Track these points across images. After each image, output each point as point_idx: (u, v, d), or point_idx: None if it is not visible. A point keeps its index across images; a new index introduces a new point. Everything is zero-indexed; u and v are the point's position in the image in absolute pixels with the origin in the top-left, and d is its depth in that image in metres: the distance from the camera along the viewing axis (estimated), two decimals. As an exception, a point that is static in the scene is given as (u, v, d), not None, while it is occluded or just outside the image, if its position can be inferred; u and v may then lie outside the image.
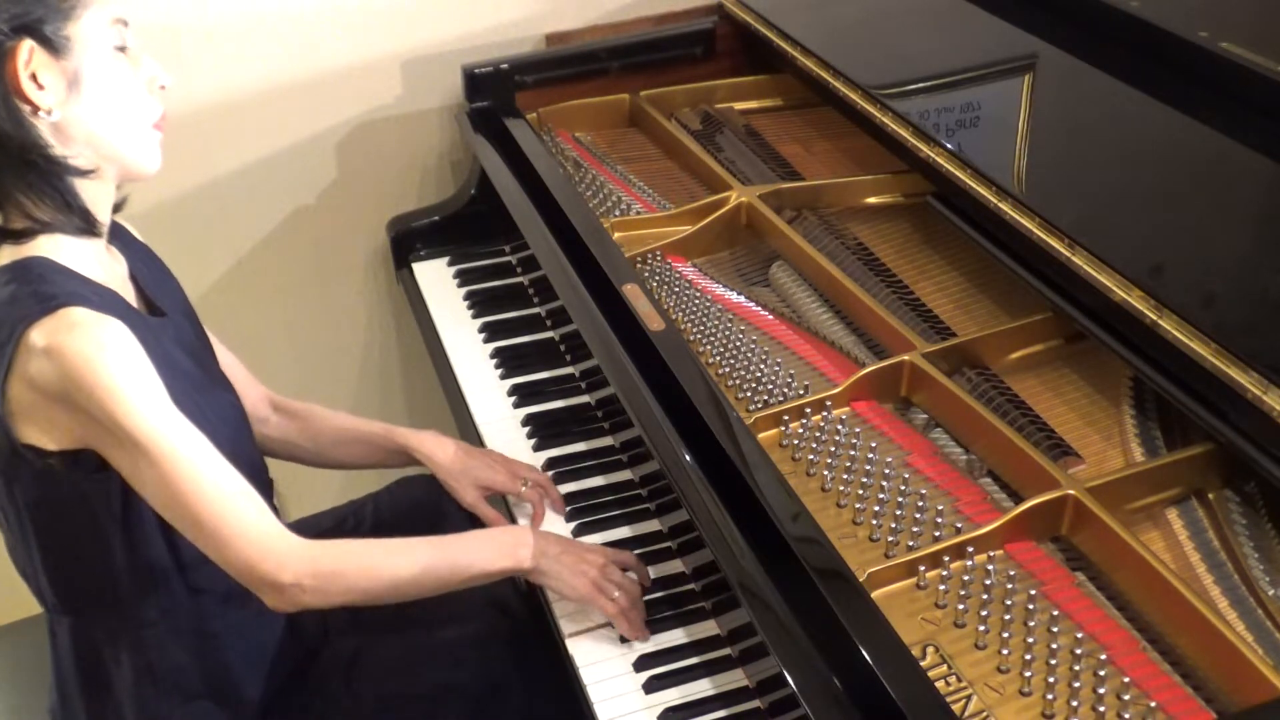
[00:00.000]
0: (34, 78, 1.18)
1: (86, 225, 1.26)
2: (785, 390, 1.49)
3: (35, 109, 1.19)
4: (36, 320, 1.15)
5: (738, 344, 1.57)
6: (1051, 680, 1.14)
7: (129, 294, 1.34)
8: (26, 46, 1.18)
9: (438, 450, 1.58)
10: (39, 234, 1.24)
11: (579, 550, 1.39)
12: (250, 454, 1.43)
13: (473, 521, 1.56)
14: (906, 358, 1.46)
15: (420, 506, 1.62)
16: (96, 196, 1.27)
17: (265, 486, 1.48)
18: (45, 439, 1.20)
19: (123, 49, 1.26)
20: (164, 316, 1.37)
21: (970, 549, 1.25)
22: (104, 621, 1.35)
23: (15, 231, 1.24)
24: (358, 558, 1.29)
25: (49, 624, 1.39)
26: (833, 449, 1.41)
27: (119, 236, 1.39)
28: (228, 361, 1.53)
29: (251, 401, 1.57)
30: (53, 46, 1.19)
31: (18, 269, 1.21)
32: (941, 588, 1.23)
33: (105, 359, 1.15)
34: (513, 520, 1.55)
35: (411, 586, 1.31)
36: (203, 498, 1.20)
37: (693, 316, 1.64)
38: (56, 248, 1.24)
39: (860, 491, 1.35)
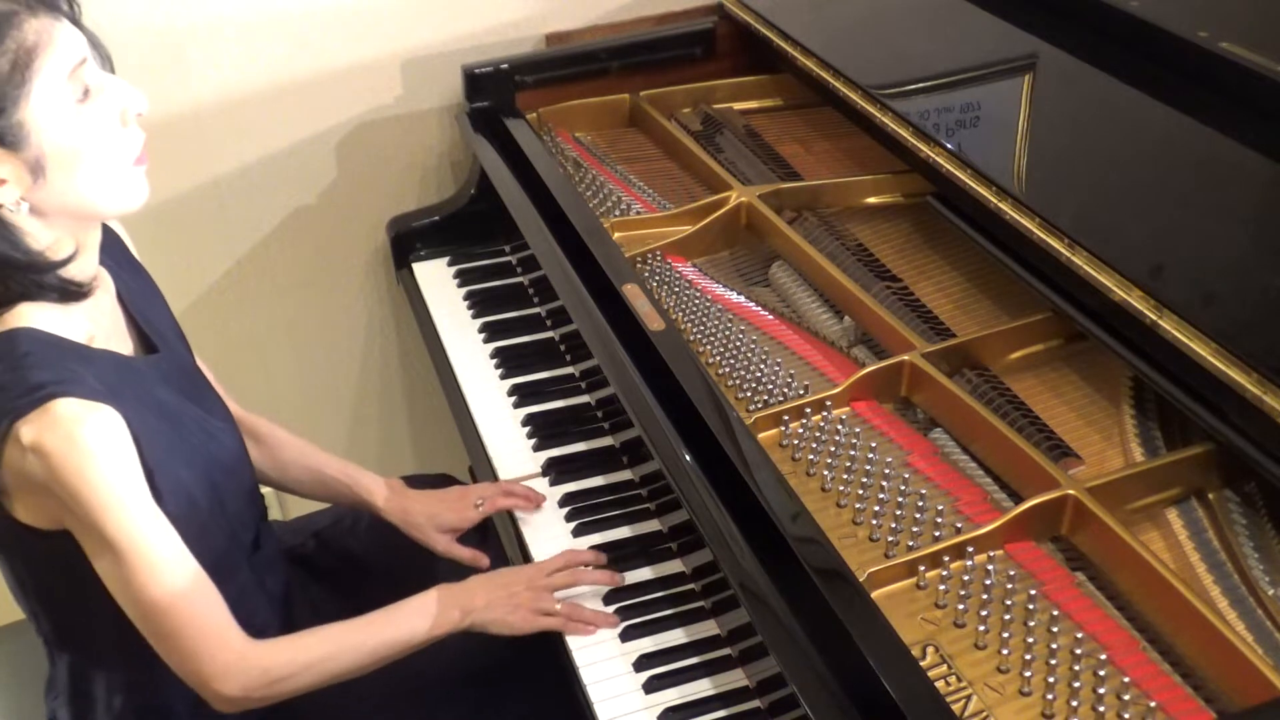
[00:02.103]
0: None
1: (71, 297, 1.21)
2: (785, 390, 1.49)
3: (1, 206, 1.13)
4: (24, 415, 1.13)
5: (738, 344, 1.57)
6: (1051, 680, 1.14)
7: (119, 330, 1.32)
8: None
9: (400, 508, 1.59)
10: (19, 302, 1.19)
11: (505, 584, 1.40)
12: (243, 480, 1.43)
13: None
14: (906, 358, 1.46)
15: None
16: (82, 261, 1.22)
17: (260, 510, 1.49)
18: (35, 520, 1.22)
19: (86, 97, 1.16)
20: (155, 353, 1.35)
21: (970, 549, 1.25)
22: (101, 663, 1.36)
23: None
24: (302, 657, 1.29)
25: (48, 653, 1.40)
26: (833, 449, 1.41)
27: (104, 248, 1.33)
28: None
29: None
30: (6, 142, 1.11)
31: (2, 345, 1.17)
32: (941, 588, 1.23)
33: (87, 461, 1.14)
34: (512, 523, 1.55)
35: (359, 672, 1.33)
36: (164, 606, 1.20)
37: (693, 316, 1.64)
38: (40, 313, 1.19)
39: (860, 491, 1.35)
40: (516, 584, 1.39)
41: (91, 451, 1.14)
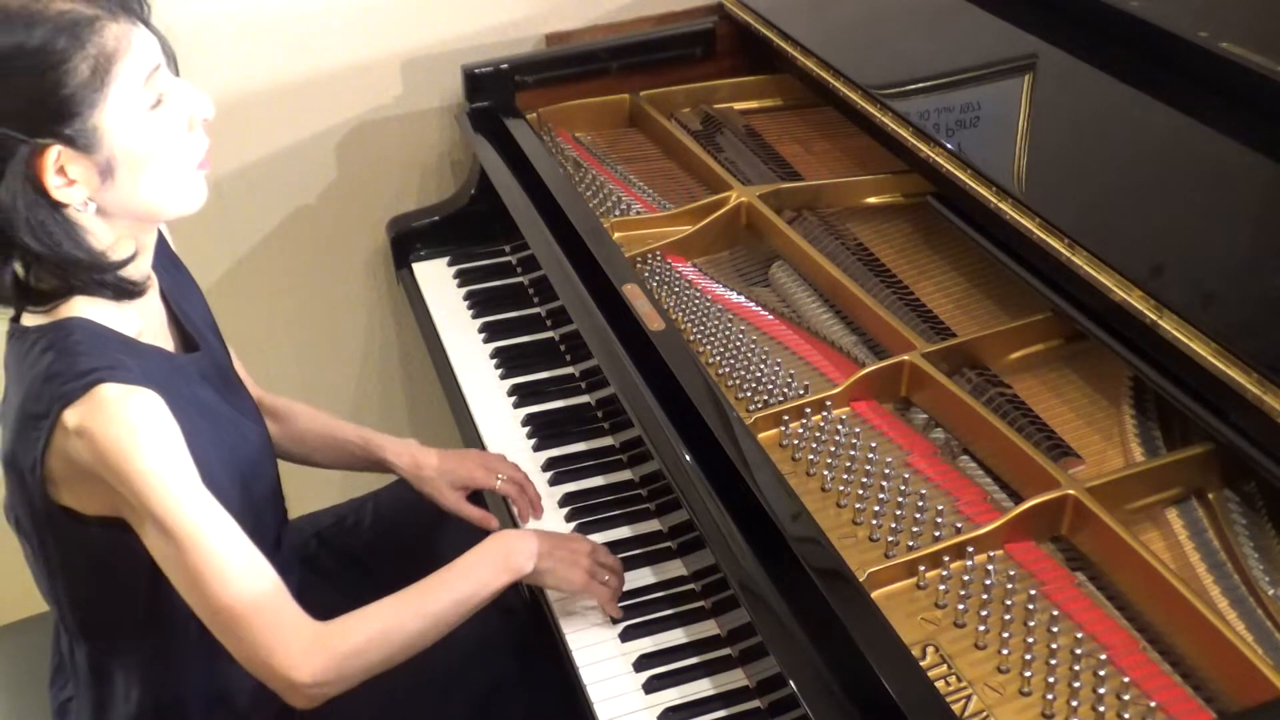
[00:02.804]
0: (63, 170, 1.13)
1: (127, 295, 1.24)
2: (785, 390, 1.49)
3: (68, 205, 1.16)
4: (72, 401, 1.14)
5: (738, 344, 1.57)
6: (1051, 680, 1.14)
7: (163, 327, 1.34)
8: (54, 152, 1.12)
9: (411, 460, 1.58)
10: (75, 295, 1.21)
11: (567, 542, 1.40)
12: (271, 482, 1.44)
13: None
14: (906, 358, 1.46)
15: (420, 505, 1.62)
16: (141, 259, 1.25)
17: (281, 516, 1.50)
18: (82, 506, 1.22)
19: (159, 104, 1.19)
20: (195, 349, 1.36)
21: (970, 549, 1.25)
22: (121, 653, 1.36)
23: (45, 293, 1.21)
24: (368, 628, 1.26)
25: (67, 643, 1.40)
26: (833, 449, 1.41)
27: None
28: None
29: None
30: (79, 144, 1.13)
31: (55, 333, 1.19)
32: (941, 588, 1.23)
33: (136, 443, 1.14)
34: (510, 520, 1.55)
35: (427, 638, 1.30)
36: (225, 590, 1.19)
37: (693, 316, 1.64)
38: (93, 305, 1.22)
39: (860, 491, 1.35)
40: (579, 546, 1.39)
41: (137, 432, 1.14)
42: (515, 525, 1.55)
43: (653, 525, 1.52)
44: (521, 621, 1.51)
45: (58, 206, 1.15)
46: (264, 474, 1.41)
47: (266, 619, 1.20)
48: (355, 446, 1.61)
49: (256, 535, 1.36)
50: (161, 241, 1.42)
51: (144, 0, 1.21)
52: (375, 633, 1.26)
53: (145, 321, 1.29)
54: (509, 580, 1.34)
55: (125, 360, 1.19)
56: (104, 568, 1.26)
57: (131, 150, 1.17)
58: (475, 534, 1.60)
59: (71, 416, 1.14)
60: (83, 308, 1.21)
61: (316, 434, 1.63)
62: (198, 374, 1.34)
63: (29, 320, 1.23)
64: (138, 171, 1.18)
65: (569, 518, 1.55)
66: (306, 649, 1.21)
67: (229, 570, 1.19)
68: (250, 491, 1.34)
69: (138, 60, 1.16)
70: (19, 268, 1.19)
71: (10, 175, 1.12)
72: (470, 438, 1.72)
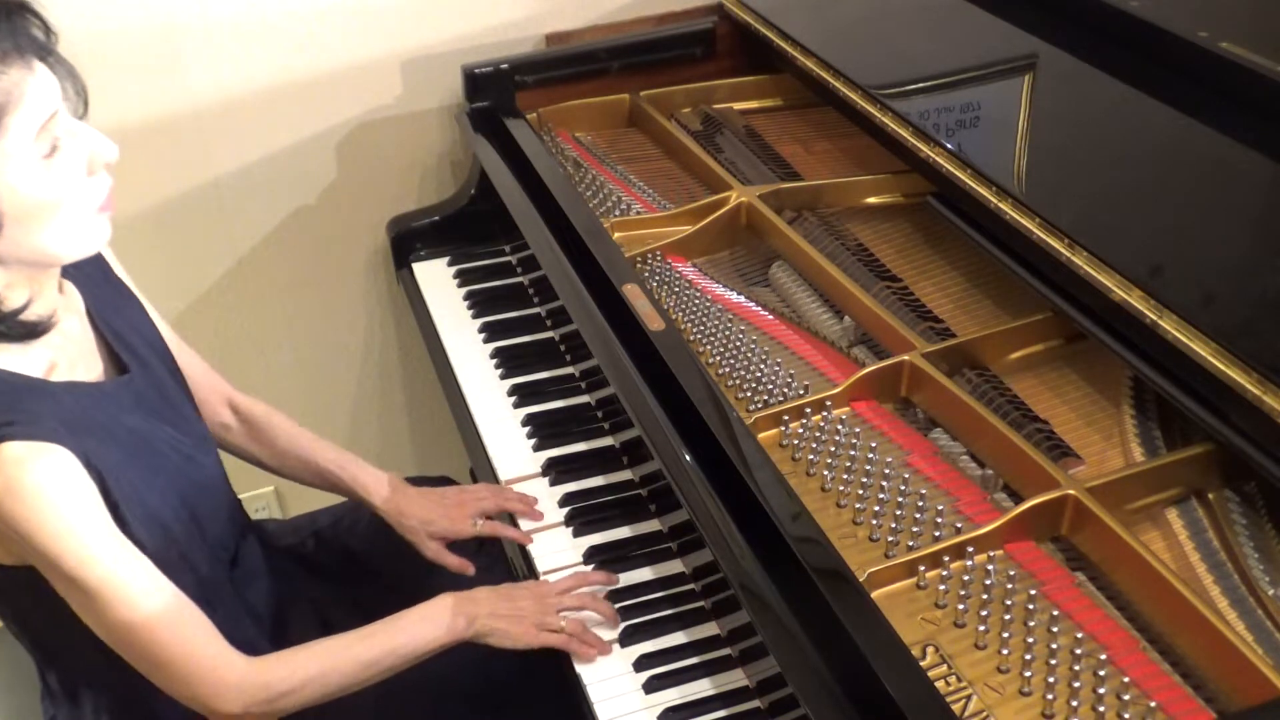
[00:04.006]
0: None
1: (30, 334, 1.18)
2: (785, 390, 1.49)
3: None
4: None
5: (738, 344, 1.57)
6: (1051, 680, 1.14)
7: (87, 352, 1.28)
8: None
9: (395, 507, 1.57)
10: None
11: (511, 596, 1.38)
12: (221, 499, 1.41)
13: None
14: (906, 358, 1.46)
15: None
16: (38, 303, 1.18)
17: (240, 526, 1.48)
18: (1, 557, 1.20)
19: (53, 153, 1.11)
20: (126, 373, 1.30)
21: (970, 549, 1.25)
22: (89, 680, 1.36)
23: None
24: (304, 674, 1.27)
25: (38, 666, 1.40)
26: (833, 449, 1.41)
27: (74, 263, 1.25)
28: (186, 360, 1.49)
29: (211, 407, 1.55)
30: None
31: None
32: (941, 588, 1.23)
33: (41, 505, 1.11)
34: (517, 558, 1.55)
35: (360, 684, 1.31)
36: (148, 636, 1.18)
37: (693, 316, 1.64)
38: None
39: (860, 491, 1.35)
40: (523, 598, 1.38)
41: (40, 493, 1.10)
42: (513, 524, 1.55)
43: (653, 525, 1.52)
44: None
45: None
46: (212, 494, 1.38)
47: (192, 659, 1.21)
48: (334, 476, 1.59)
49: (212, 557, 1.36)
50: (97, 262, 1.36)
51: (49, 31, 1.13)
52: (310, 675, 1.28)
53: (59, 353, 1.22)
54: (449, 640, 1.34)
55: (33, 409, 1.13)
56: (45, 607, 1.22)
57: (22, 204, 1.09)
58: (471, 540, 1.60)
59: None
60: None
61: (296, 455, 1.60)
62: (128, 400, 1.28)
63: None
64: (30, 223, 1.11)
65: (569, 518, 1.55)
66: (237, 684, 1.23)
67: (150, 618, 1.18)
68: (197, 514, 1.33)
69: (31, 110, 1.08)
70: None
71: None
72: (470, 438, 1.72)
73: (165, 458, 1.30)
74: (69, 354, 1.25)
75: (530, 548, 1.51)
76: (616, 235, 1.76)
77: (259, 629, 1.44)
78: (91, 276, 1.34)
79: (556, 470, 1.62)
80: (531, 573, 1.49)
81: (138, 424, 1.28)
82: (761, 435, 1.42)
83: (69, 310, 1.27)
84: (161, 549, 1.23)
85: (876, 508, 1.32)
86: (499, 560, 1.61)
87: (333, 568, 1.66)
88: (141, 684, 1.28)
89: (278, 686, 1.25)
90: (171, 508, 1.28)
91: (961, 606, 1.21)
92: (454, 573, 1.56)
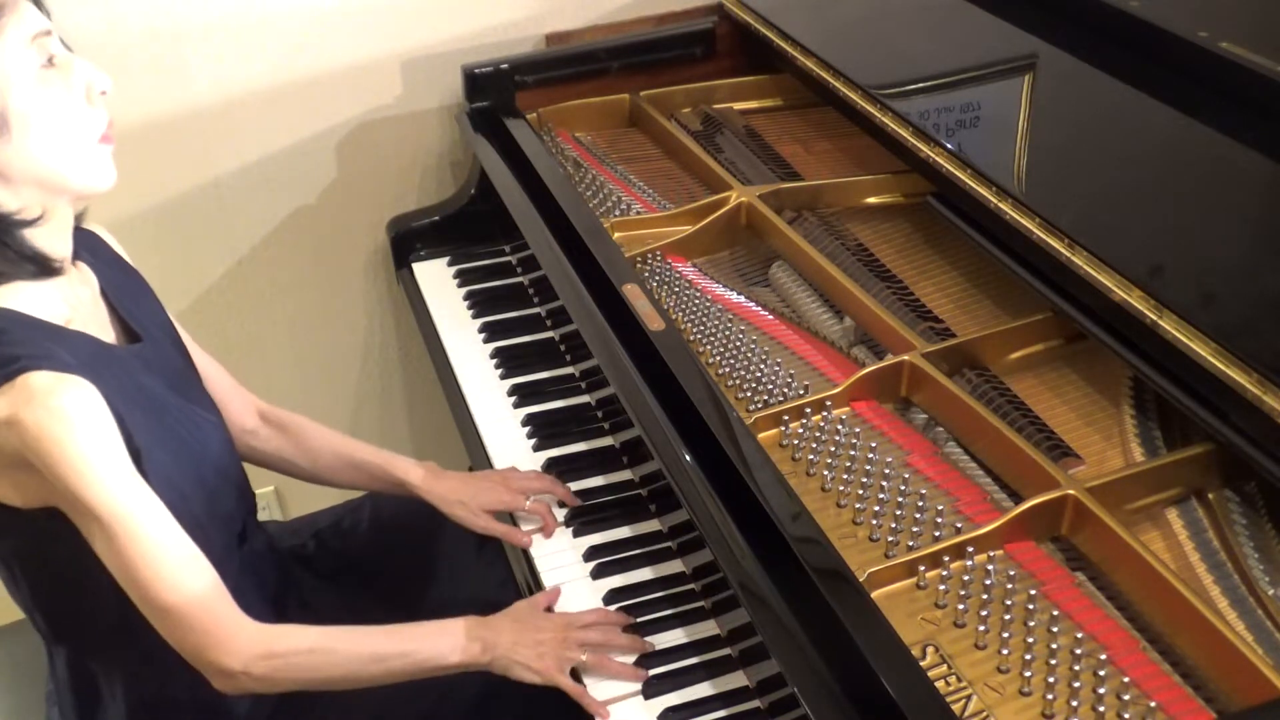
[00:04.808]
0: None
1: (44, 269, 1.22)
2: (785, 390, 1.49)
3: None
4: None
5: (738, 344, 1.57)
6: (1051, 680, 1.14)
7: (100, 320, 1.31)
8: None
9: (436, 484, 1.56)
10: None
11: (534, 628, 1.36)
12: (231, 475, 1.41)
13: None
14: (906, 358, 1.46)
15: (417, 508, 1.61)
16: (53, 232, 1.22)
17: (249, 505, 1.48)
18: (14, 498, 1.21)
19: (50, 64, 1.18)
20: (139, 342, 1.33)
21: (970, 549, 1.25)
22: (100, 654, 1.35)
23: None
24: (311, 645, 1.27)
25: (46, 648, 1.40)
26: (833, 449, 1.41)
27: (88, 247, 1.35)
28: (210, 372, 1.51)
29: (237, 412, 1.55)
30: None
31: None
32: (941, 588, 1.23)
33: (64, 430, 1.13)
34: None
35: (362, 678, 1.30)
36: (157, 576, 1.19)
37: (693, 316, 1.64)
38: (15, 294, 1.21)
39: (860, 491, 1.35)
40: (545, 630, 1.35)
41: (68, 419, 1.13)
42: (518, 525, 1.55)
43: (653, 525, 1.52)
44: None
45: None
46: (222, 466, 1.38)
47: (203, 608, 1.21)
48: (374, 468, 1.59)
49: (218, 527, 1.36)
50: (106, 247, 1.40)
51: None
52: (319, 646, 1.27)
53: (75, 310, 1.26)
54: (463, 663, 1.33)
55: (53, 348, 1.17)
56: (59, 560, 1.24)
57: (24, 107, 1.15)
58: (470, 542, 1.60)
59: (0, 406, 1.13)
60: (4, 298, 1.20)
61: (332, 451, 1.60)
62: (140, 364, 1.30)
63: None
64: (34, 131, 1.16)
65: (569, 518, 1.55)
66: (248, 639, 1.23)
67: (163, 558, 1.19)
68: (206, 483, 1.33)
69: (24, 19, 1.15)
70: None
71: None
72: (470, 438, 1.72)
73: (177, 422, 1.31)
74: (83, 314, 1.28)
75: (530, 549, 1.51)
76: (616, 235, 1.76)
77: (265, 610, 1.44)
78: (106, 261, 1.37)
79: (556, 470, 1.61)
80: (532, 572, 1.49)
81: (151, 385, 1.30)
82: (761, 435, 1.42)
83: (83, 283, 1.30)
84: (176, 505, 1.24)
85: (876, 508, 1.32)
86: (499, 559, 1.61)
87: (333, 569, 1.66)
88: (152, 663, 1.29)
89: (279, 648, 1.25)
90: (182, 471, 1.28)
91: (961, 606, 1.21)
92: (508, 542, 1.54)
